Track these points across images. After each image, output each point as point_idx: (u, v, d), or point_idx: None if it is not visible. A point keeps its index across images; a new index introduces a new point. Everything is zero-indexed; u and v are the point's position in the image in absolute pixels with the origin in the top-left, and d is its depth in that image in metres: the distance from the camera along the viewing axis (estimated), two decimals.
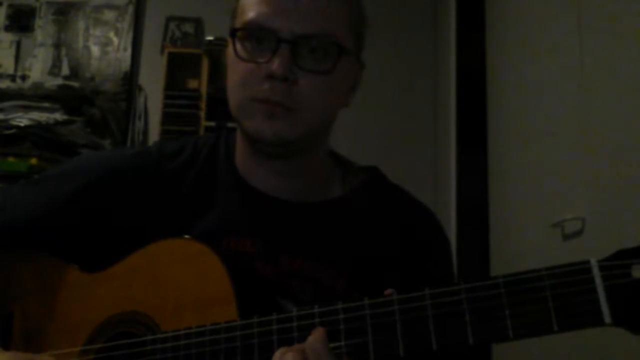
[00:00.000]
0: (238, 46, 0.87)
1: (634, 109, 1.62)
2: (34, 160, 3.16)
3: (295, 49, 0.83)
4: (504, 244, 2.51)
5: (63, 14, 3.58)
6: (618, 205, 1.67)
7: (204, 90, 3.42)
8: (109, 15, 3.59)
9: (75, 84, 3.51)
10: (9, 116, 3.35)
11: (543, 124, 2.20)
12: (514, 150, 2.47)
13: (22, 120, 3.33)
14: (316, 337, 0.67)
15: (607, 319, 0.57)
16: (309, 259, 0.89)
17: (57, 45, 3.55)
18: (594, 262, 0.58)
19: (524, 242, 2.29)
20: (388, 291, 0.68)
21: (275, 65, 0.82)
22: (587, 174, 1.84)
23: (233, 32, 0.87)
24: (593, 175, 1.81)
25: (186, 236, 0.85)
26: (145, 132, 3.48)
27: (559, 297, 0.59)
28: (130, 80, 3.53)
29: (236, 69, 0.87)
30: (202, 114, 3.39)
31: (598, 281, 0.57)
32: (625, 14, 1.69)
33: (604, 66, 1.80)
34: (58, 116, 3.39)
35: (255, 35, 0.85)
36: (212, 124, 3.35)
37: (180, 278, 0.82)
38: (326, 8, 0.85)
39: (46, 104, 3.43)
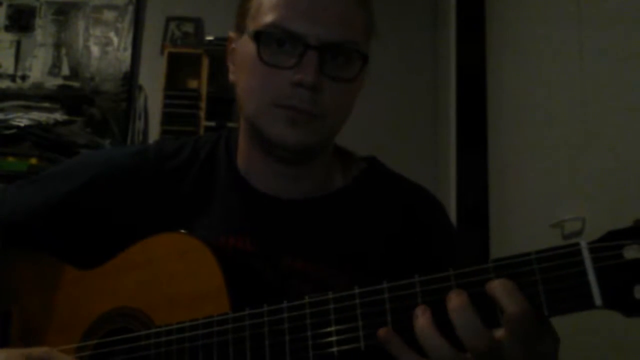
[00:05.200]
0: (261, 49, 0.84)
1: (634, 109, 1.62)
2: (34, 160, 3.15)
3: (321, 56, 0.82)
4: (504, 244, 2.50)
5: (63, 14, 3.59)
6: (618, 205, 1.66)
7: (204, 90, 3.42)
8: (109, 15, 3.60)
9: (75, 84, 3.51)
10: (9, 116, 3.34)
11: (543, 124, 2.20)
12: (514, 150, 2.47)
13: (22, 120, 3.32)
14: None
15: (598, 301, 0.55)
16: (309, 259, 0.88)
17: (57, 45, 3.56)
18: (583, 244, 0.57)
19: (524, 242, 2.28)
20: None
21: (305, 73, 0.81)
22: (587, 174, 1.83)
23: (257, 35, 0.84)
24: (593, 175, 1.80)
25: (182, 231, 0.84)
26: (145, 132, 3.49)
27: (548, 281, 0.58)
28: (130, 80, 3.53)
29: (255, 72, 0.85)
30: (202, 114, 3.40)
31: (588, 263, 0.56)
32: (626, 14, 1.69)
33: (604, 65, 1.79)
34: (58, 116, 3.40)
35: (279, 38, 0.83)
36: (212, 124, 3.36)
37: (174, 273, 0.82)
38: (349, 14, 0.84)
39: (46, 104, 3.43)
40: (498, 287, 0.59)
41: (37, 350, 0.79)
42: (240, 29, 0.90)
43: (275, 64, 0.83)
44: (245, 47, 0.87)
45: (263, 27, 0.84)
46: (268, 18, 0.83)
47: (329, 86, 0.83)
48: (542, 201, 2.16)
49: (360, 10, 0.87)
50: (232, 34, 0.94)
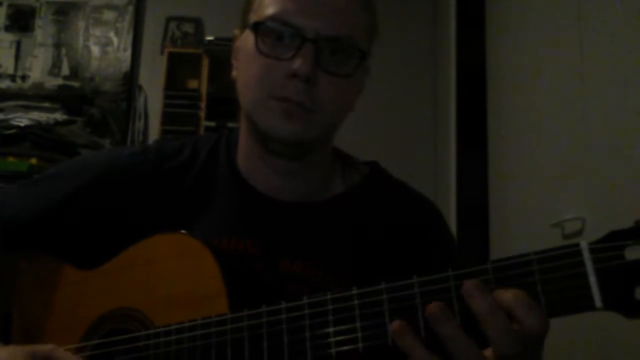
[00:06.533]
0: (259, 40, 0.84)
1: (634, 108, 1.61)
2: (34, 160, 3.14)
3: (318, 49, 0.82)
4: (504, 244, 2.50)
5: (63, 14, 3.58)
6: (618, 205, 1.66)
7: (204, 90, 3.42)
8: (109, 15, 3.59)
9: (75, 84, 3.51)
10: (9, 116, 3.34)
11: (543, 124, 2.19)
12: (514, 150, 2.46)
13: (22, 120, 3.32)
14: None
15: (599, 303, 0.55)
16: (308, 263, 0.88)
17: (57, 45, 3.56)
18: (584, 244, 0.56)
19: (524, 242, 2.28)
20: None
21: (300, 64, 0.81)
22: (587, 174, 1.83)
23: (256, 26, 0.85)
24: (593, 175, 1.80)
25: (182, 231, 0.84)
26: (145, 132, 3.49)
27: (548, 282, 0.57)
28: (130, 80, 3.53)
29: (253, 64, 0.85)
30: (202, 114, 3.40)
31: (588, 264, 0.55)
32: (625, 13, 1.69)
33: (603, 65, 1.79)
34: (58, 116, 3.39)
35: (278, 30, 0.83)
36: (212, 124, 3.35)
37: (173, 273, 0.82)
38: (349, 11, 0.85)
39: (46, 104, 3.42)
40: (513, 299, 0.58)
41: (42, 348, 0.79)
42: (243, 25, 0.91)
43: (272, 55, 0.83)
44: (246, 41, 0.88)
45: (263, 18, 0.84)
46: (269, 10, 0.84)
47: (324, 80, 0.83)
48: (542, 201, 2.16)
49: (362, 9, 0.87)
50: (236, 31, 0.94)
